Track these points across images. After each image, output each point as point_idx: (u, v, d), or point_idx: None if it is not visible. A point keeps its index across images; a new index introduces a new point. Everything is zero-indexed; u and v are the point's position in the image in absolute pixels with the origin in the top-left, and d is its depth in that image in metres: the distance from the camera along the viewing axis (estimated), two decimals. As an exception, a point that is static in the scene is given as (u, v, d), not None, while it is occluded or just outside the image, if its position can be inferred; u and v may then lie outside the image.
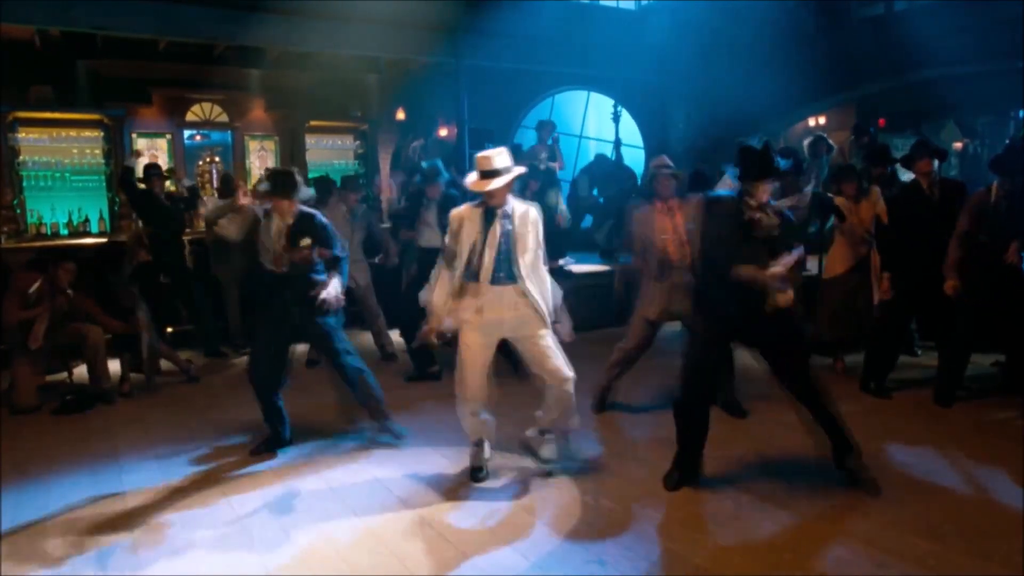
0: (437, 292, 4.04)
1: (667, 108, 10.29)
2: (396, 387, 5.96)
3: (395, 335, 7.10)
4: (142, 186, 7.07)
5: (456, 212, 4.05)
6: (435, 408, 5.39)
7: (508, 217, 3.98)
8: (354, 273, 6.74)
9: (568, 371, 4.06)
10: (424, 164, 6.65)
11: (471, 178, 3.99)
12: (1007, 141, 8.45)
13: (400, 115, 10.90)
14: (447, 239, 4.09)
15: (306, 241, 4.50)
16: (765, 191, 3.74)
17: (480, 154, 4.00)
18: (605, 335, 6.25)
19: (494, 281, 3.97)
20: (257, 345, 4.77)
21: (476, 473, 4.15)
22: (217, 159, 9.95)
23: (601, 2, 10.32)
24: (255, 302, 4.86)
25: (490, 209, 3.96)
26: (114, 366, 6.05)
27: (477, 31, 8.44)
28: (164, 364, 6.45)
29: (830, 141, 9.52)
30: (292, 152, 10.41)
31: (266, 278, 4.56)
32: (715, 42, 9.06)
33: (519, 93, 11.23)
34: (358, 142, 11.04)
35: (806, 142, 9.36)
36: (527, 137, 11.60)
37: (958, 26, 7.57)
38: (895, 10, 8.85)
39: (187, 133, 9.88)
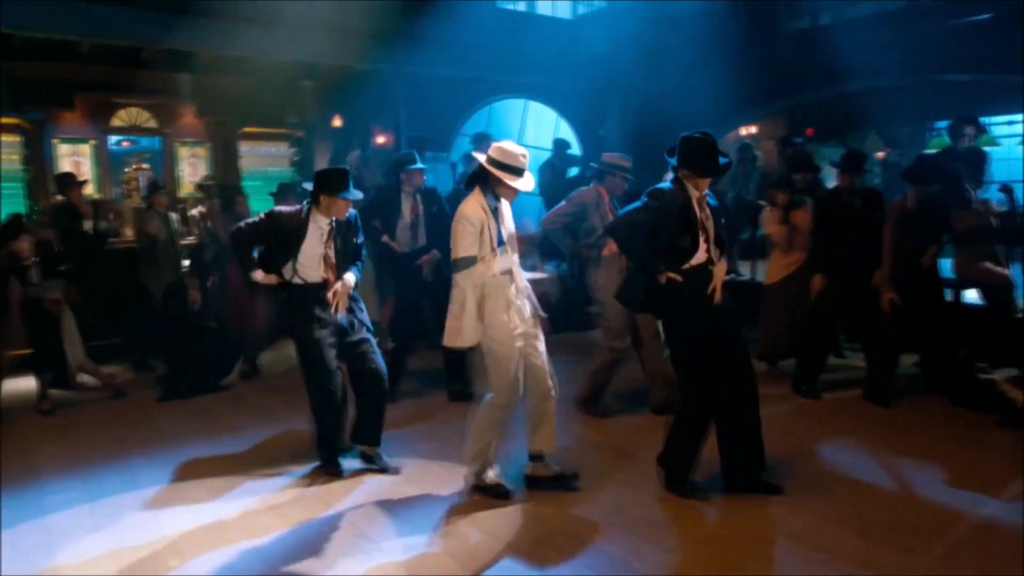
0: (473, 317, 3.77)
1: (604, 117, 10.42)
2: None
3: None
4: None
5: (473, 211, 3.76)
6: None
7: (500, 210, 3.90)
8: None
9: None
10: (403, 152, 6.12)
11: (507, 177, 3.72)
12: (923, 151, 8.83)
13: (337, 122, 10.73)
14: (468, 243, 3.73)
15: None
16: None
17: (511, 147, 3.78)
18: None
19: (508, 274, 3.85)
20: (318, 369, 4.24)
21: (503, 491, 3.98)
22: (145, 166, 9.61)
23: (538, 11, 10.40)
24: (293, 322, 4.28)
25: (491, 203, 3.82)
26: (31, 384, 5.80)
27: (414, 38, 8.40)
28: (88, 379, 6.20)
29: (755, 151, 9.83)
30: (225, 159, 10.15)
31: (308, 290, 4.22)
32: (650, 52, 9.22)
33: (457, 101, 11.19)
34: (294, 149, 10.85)
35: (734, 150, 9.66)
36: (465, 145, 11.57)
37: (879, 41, 7.90)
38: (820, 24, 9.17)
39: (113, 139, 9.52)
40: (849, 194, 5.43)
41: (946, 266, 5.77)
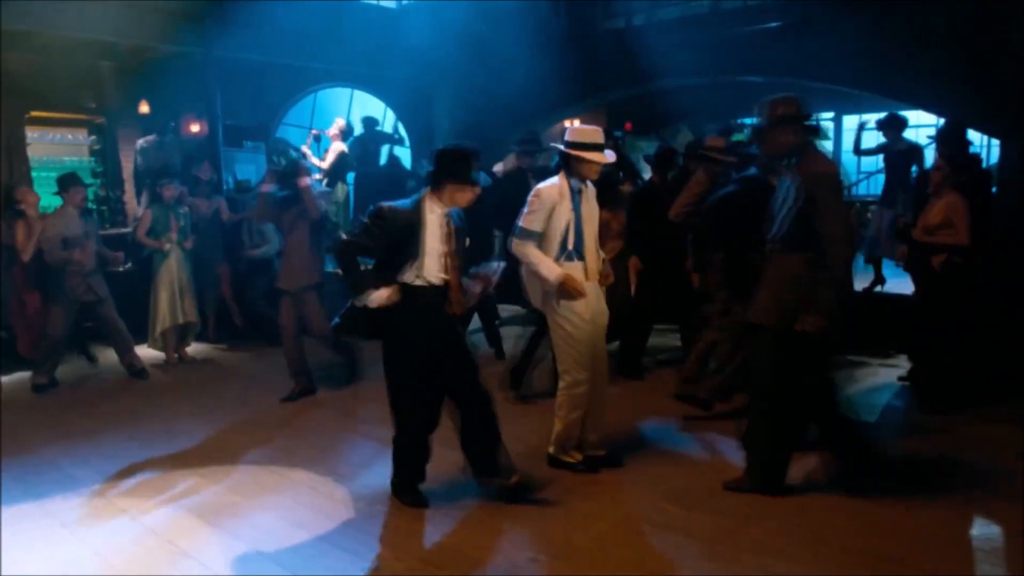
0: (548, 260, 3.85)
1: (432, 108, 10.39)
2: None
3: (141, 350, 6.47)
4: None
5: (549, 190, 3.86)
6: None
7: (584, 193, 3.95)
8: (94, 285, 6.03)
9: None
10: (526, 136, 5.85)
11: (587, 154, 3.82)
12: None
13: (144, 108, 9.89)
14: (536, 218, 3.83)
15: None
16: None
17: (587, 127, 3.94)
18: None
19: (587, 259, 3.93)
20: (413, 384, 3.66)
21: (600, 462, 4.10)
22: (-95, 154, 8.37)
23: (360, -1, 10.13)
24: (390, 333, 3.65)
25: (574, 185, 3.90)
26: None
27: (228, 20, 7.89)
28: None
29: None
30: (9, 147, 9.04)
31: (425, 293, 3.60)
32: (475, 45, 9.28)
33: (278, 89, 10.70)
34: (93, 137, 9.89)
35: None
36: (289, 135, 11.11)
37: (687, 43, 8.43)
38: (634, 25, 9.65)
39: None
40: (660, 187, 5.79)
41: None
